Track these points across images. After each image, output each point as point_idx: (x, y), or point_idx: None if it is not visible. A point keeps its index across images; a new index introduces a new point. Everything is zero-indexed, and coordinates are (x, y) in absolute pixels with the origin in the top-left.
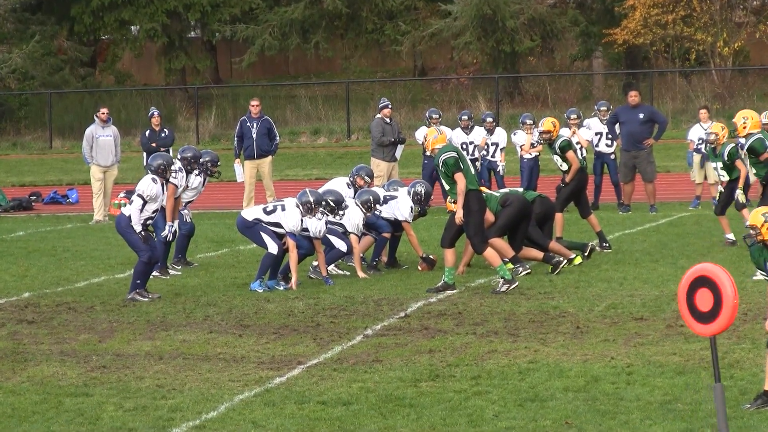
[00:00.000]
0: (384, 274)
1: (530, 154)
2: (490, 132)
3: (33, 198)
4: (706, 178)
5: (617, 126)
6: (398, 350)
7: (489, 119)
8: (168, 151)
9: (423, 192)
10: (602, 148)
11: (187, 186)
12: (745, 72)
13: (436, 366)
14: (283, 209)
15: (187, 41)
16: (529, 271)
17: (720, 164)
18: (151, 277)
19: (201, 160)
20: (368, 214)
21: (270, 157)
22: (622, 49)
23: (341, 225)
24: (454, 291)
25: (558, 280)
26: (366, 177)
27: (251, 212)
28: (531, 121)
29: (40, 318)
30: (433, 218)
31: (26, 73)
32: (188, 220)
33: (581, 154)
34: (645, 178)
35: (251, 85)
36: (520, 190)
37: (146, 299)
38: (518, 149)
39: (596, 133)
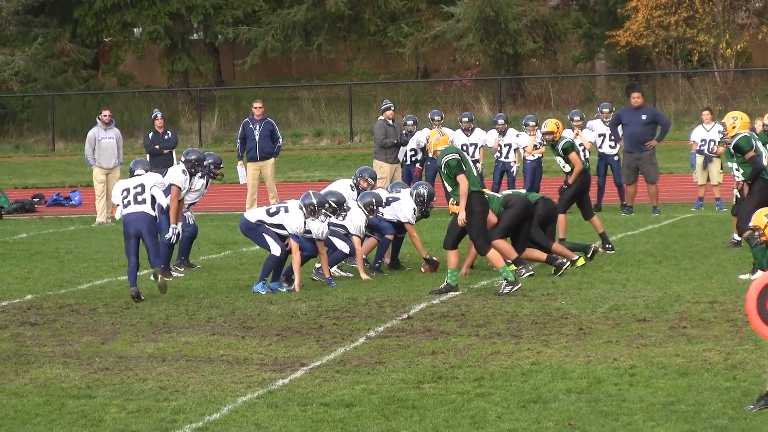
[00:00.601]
0: (387, 275)
1: (533, 155)
2: (502, 134)
3: (36, 200)
4: (708, 179)
5: (620, 127)
6: (401, 352)
7: (500, 121)
8: (171, 154)
9: (425, 193)
10: (605, 149)
11: (190, 188)
12: (748, 73)
13: (439, 368)
14: (287, 211)
15: (190, 43)
16: (532, 272)
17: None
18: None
19: (204, 162)
20: (370, 216)
21: (273, 159)
22: (625, 51)
23: (344, 227)
24: (457, 293)
25: (561, 281)
26: (369, 179)
27: (254, 214)
28: (534, 123)
29: (42, 320)
30: (436, 220)
31: (29, 75)
32: (191, 222)
33: (584, 156)
34: (648, 180)
35: (254, 87)
36: (523, 191)
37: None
38: (521, 151)
39: (599, 135)
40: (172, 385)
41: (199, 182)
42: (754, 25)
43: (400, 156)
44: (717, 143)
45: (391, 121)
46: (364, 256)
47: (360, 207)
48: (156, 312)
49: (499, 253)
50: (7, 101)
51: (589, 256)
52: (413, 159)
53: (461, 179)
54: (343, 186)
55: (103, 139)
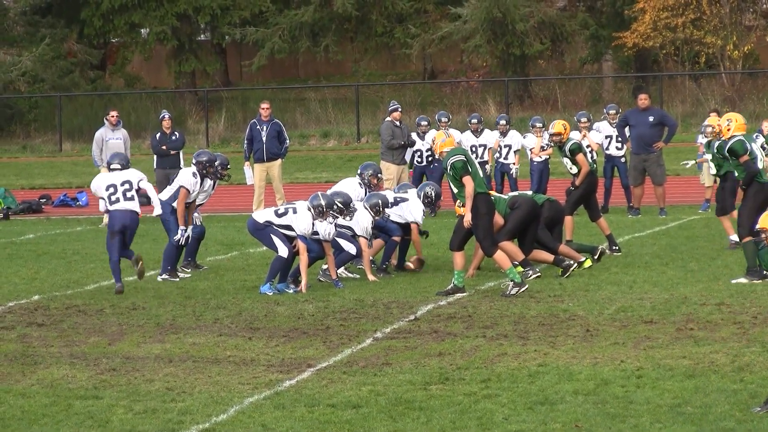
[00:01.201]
0: (393, 277)
1: (540, 157)
2: (504, 134)
3: (43, 201)
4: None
5: (627, 129)
6: (408, 353)
7: (503, 122)
8: (178, 155)
9: (433, 194)
10: (612, 151)
11: (200, 190)
12: (755, 75)
13: (446, 369)
14: (295, 212)
15: (197, 44)
16: (539, 274)
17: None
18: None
19: (215, 163)
20: (377, 217)
21: (280, 160)
22: (632, 53)
23: (350, 228)
24: (464, 294)
25: (568, 283)
26: (378, 175)
27: (262, 215)
28: (541, 124)
29: (49, 321)
30: (443, 221)
31: (36, 76)
32: (198, 223)
33: (591, 157)
34: (655, 182)
35: (261, 88)
36: (529, 192)
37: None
38: (528, 152)
39: (606, 137)
40: (179, 386)
41: (206, 183)
42: (762, 26)
43: (407, 157)
44: (702, 135)
45: (398, 123)
46: (371, 258)
47: (366, 208)
48: (163, 313)
49: (505, 254)
50: (15, 102)
51: (596, 257)
52: (429, 159)
53: (467, 181)
54: (350, 184)
55: (111, 140)
